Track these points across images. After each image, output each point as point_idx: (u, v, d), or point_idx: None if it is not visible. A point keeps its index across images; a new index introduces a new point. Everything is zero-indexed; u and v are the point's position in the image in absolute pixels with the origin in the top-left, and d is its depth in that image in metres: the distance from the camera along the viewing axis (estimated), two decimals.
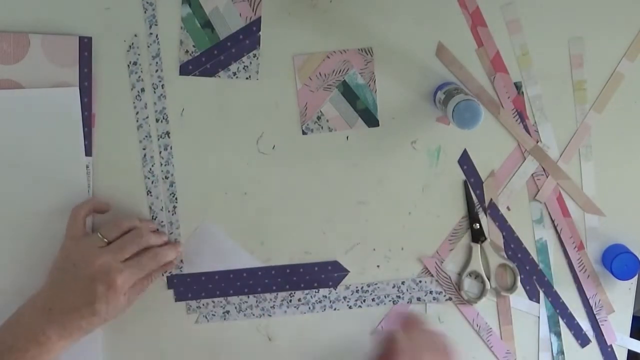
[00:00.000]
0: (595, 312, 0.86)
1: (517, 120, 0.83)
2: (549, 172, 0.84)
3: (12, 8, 0.77)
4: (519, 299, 0.86)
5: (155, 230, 0.81)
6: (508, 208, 0.85)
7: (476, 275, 0.86)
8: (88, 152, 0.79)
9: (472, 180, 0.84)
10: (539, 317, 0.86)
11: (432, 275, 0.85)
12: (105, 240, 0.76)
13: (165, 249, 0.79)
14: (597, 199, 0.85)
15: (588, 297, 0.86)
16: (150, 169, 0.81)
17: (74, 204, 0.78)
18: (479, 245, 0.85)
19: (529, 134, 0.83)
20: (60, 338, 0.72)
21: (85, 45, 0.78)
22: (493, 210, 0.84)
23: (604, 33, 0.82)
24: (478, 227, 0.84)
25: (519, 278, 0.85)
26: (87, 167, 0.79)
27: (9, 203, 0.79)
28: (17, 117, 0.78)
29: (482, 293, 0.86)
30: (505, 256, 0.86)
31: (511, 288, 0.86)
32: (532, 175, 0.84)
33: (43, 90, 0.78)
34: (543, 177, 0.84)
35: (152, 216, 0.81)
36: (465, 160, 0.83)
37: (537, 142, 0.83)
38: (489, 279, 0.85)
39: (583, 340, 0.87)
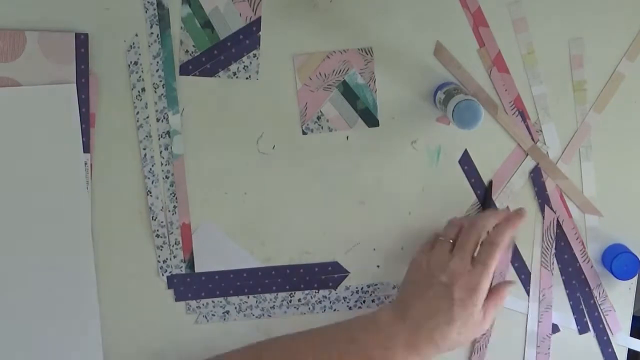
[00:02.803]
0: (599, 303, 0.86)
1: (517, 117, 0.83)
2: (547, 172, 0.84)
3: (9, 7, 0.77)
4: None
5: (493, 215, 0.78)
6: (508, 208, 0.85)
7: None
8: (86, 149, 0.79)
9: (473, 181, 0.84)
10: (527, 314, 0.87)
11: None
12: (450, 241, 0.76)
13: (498, 233, 0.76)
14: (597, 199, 0.85)
15: (592, 288, 0.86)
16: (151, 169, 0.81)
17: (72, 200, 0.78)
18: None
19: (531, 134, 0.83)
20: (406, 349, 0.71)
21: (81, 42, 0.78)
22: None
23: (604, 33, 0.82)
24: None
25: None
26: (85, 163, 0.79)
27: (6, 201, 0.79)
28: (14, 115, 0.77)
29: None
30: None
31: None
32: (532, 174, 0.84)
33: (40, 88, 0.77)
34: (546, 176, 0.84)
35: (152, 216, 0.81)
36: (466, 161, 0.83)
37: (536, 142, 0.83)
38: None
39: (582, 328, 0.87)
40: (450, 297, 0.72)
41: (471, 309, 0.72)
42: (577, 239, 0.86)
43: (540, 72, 0.82)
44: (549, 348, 0.87)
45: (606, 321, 0.87)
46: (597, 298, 0.86)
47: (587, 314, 0.87)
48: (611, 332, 0.87)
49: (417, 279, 0.76)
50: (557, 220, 0.85)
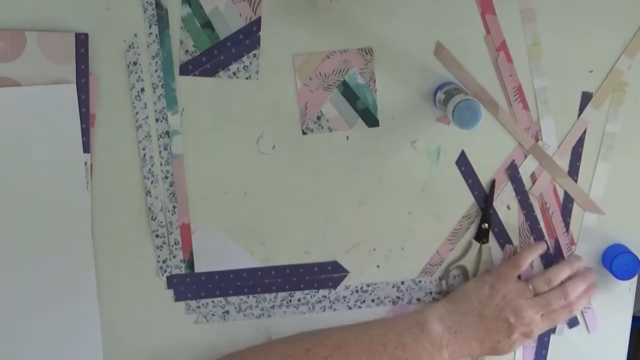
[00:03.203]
0: None
1: (519, 104, 0.82)
2: (548, 171, 0.84)
3: (9, 7, 0.77)
4: None
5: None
6: (508, 207, 0.85)
7: (463, 272, 0.86)
8: (86, 149, 0.79)
9: (470, 182, 0.84)
10: None
11: (431, 275, 0.85)
12: (534, 293, 0.81)
13: (578, 304, 0.83)
14: (601, 199, 0.85)
15: None
16: (150, 169, 0.81)
17: (72, 200, 0.78)
18: (479, 245, 0.85)
19: (530, 127, 0.83)
20: (450, 358, 0.78)
21: (81, 42, 0.78)
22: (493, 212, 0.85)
23: (604, 30, 0.82)
24: (487, 227, 0.84)
25: None
26: (85, 163, 0.79)
27: (7, 201, 0.79)
28: (14, 115, 0.77)
29: None
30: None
31: None
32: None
33: (40, 88, 0.77)
34: (538, 171, 0.84)
35: (152, 216, 0.81)
36: (463, 162, 0.83)
37: (538, 141, 0.83)
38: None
39: (571, 322, 0.88)
40: (508, 335, 0.79)
41: (515, 348, 0.80)
42: (564, 232, 0.86)
43: (543, 64, 0.82)
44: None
45: (584, 319, 0.87)
46: None
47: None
48: (588, 330, 0.88)
49: (484, 302, 0.80)
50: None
